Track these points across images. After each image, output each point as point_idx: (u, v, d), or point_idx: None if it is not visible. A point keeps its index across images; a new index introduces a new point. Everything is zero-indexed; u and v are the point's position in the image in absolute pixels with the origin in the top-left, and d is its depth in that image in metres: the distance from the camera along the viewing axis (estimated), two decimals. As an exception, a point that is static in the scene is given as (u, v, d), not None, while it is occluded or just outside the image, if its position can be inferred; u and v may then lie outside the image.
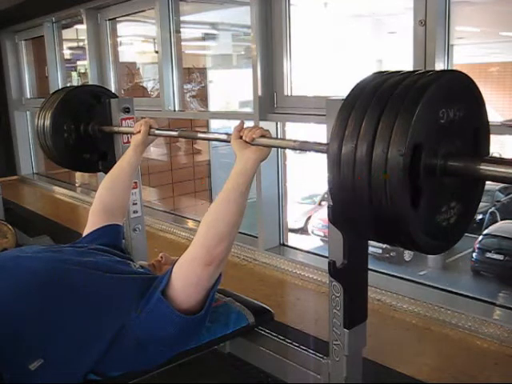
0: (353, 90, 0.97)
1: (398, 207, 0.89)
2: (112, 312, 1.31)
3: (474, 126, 1.02)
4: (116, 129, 2.07)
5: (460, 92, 0.96)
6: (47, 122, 2.08)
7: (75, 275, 1.35)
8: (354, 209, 0.94)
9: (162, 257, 1.63)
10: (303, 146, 1.31)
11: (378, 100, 0.91)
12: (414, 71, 0.96)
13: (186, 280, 1.31)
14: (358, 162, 0.89)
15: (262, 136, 1.37)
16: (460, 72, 0.99)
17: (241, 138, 1.39)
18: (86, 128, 2.15)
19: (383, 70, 1.01)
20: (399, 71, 0.97)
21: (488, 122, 1.05)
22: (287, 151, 2.67)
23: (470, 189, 1.06)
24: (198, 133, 1.81)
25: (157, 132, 1.83)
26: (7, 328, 1.20)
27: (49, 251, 1.49)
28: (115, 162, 1.88)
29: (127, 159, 1.81)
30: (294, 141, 1.32)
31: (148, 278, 1.42)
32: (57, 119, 2.08)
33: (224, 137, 1.50)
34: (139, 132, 1.81)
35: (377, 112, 0.89)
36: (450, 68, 1.84)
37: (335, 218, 1.04)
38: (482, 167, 0.92)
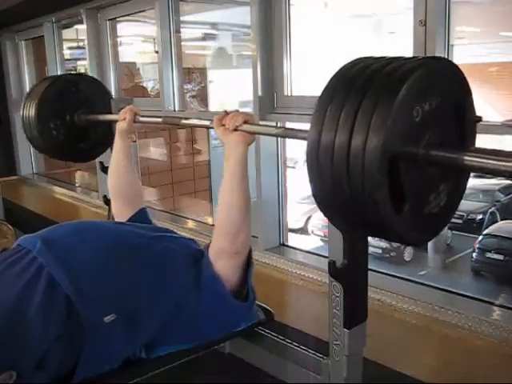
0: (334, 76, 0.95)
1: (381, 215, 0.86)
2: (173, 281, 1.40)
3: (457, 114, 0.99)
4: (101, 117, 2.06)
5: (440, 80, 0.93)
6: (32, 121, 2.06)
7: (144, 244, 1.47)
8: (333, 197, 0.91)
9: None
10: (286, 133, 1.32)
11: (358, 88, 0.88)
12: (396, 58, 0.93)
13: (220, 270, 1.38)
14: (337, 149, 0.86)
15: (245, 122, 1.35)
16: (443, 58, 0.97)
17: (223, 125, 1.38)
18: (71, 118, 2.13)
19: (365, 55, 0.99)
20: (382, 57, 0.94)
21: (474, 110, 1.02)
22: (287, 151, 2.67)
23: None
24: (181, 119, 1.81)
25: (141, 119, 1.83)
26: (94, 282, 1.32)
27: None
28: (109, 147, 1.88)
29: (117, 148, 1.83)
30: (277, 127, 1.32)
31: (195, 251, 1.50)
32: (41, 119, 2.06)
33: (207, 123, 1.48)
34: (124, 120, 1.83)
35: (357, 101, 0.87)
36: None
37: (318, 205, 1.00)
38: (466, 158, 0.89)
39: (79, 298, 1.27)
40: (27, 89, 4.95)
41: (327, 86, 0.93)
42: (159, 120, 1.88)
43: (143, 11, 3.47)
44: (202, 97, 5.24)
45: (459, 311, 1.85)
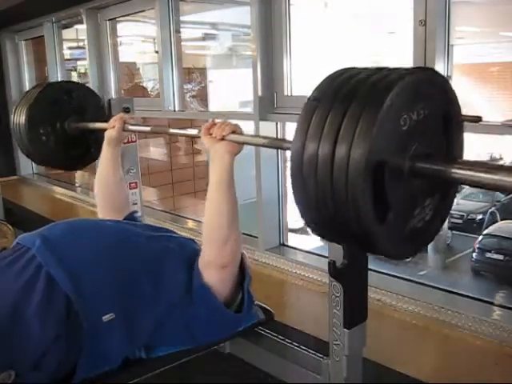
0: (319, 85, 0.93)
1: (364, 224, 0.84)
2: (170, 281, 1.39)
3: (444, 125, 0.97)
4: (91, 125, 2.06)
5: (427, 90, 0.92)
6: (22, 127, 2.05)
7: (142, 243, 1.46)
8: (316, 207, 0.89)
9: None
10: (273, 143, 1.31)
11: (342, 98, 0.86)
12: (382, 68, 0.92)
13: (209, 281, 1.36)
14: (320, 161, 0.85)
15: (233, 132, 1.34)
16: (428, 69, 0.95)
17: (210, 134, 1.37)
18: (62, 126, 2.12)
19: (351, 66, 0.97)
20: (367, 68, 0.93)
21: (462, 120, 1.02)
22: (288, 151, 2.66)
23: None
24: (169, 128, 1.83)
25: (131, 127, 1.84)
26: (93, 281, 1.32)
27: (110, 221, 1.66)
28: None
29: (105, 155, 1.83)
30: (264, 137, 1.32)
31: (194, 252, 1.48)
32: (31, 125, 2.05)
33: (195, 132, 1.48)
34: (113, 128, 1.82)
35: (341, 111, 0.85)
36: (451, 66, 1.84)
37: (302, 216, 0.97)
38: (454, 170, 0.88)
39: (78, 298, 1.27)
40: (27, 89, 4.95)
41: (312, 95, 0.91)
42: (148, 129, 1.90)
43: (143, 11, 3.47)
44: (202, 97, 5.24)
45: (459, 311, 1.85)
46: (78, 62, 5.02)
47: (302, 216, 0.94)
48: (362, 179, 0.81)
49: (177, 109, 3.18)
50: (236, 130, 1.35)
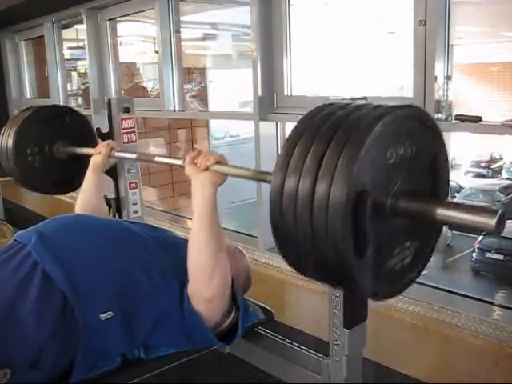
0: (301, 120, 0.92)
1: (341, 254, 0.83)
2: (165, 287, 1.36)
3: (430, 163, 0.96)
4: (78, 150, 2.09)
5: (413, 128, 0.91)
6: (10, 148, 2.06)
7: (141, 243, 1.43)
8: (295, 245, 0.88)
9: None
10: (256, 176, 1.29)
11: (324, 135, 0.85)
12: (366, 104, 0.91)
13: (197, 309, 1.33)
14: (300, 198, 0.83)
15: (217, 162, 1.33)
16: (413, 106, 0.92)
17: (195, 164, 1.36)
18: (50, 149, 2.15)
19: (335, 100, 0.98)
20: (351, 103, 0.92)
21: (447, 158, 1.00)
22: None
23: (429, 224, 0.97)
24: (155, 156, 1.85)
25: (117, 154, 1.88)
26: (90, 278, 1.30)
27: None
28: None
29: (89, 181, 1.85)
30: (248, 169, 1.30)
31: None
32: (19, 144, 2.06)
33: (179, 162, 1.47)
34: (99, 153, 1.85)
35: (323, 147, 0.83)
36: (451, 66, 1.84)
37: (279, 249, 0.96)
38: (438, 212, 0.86)
39: (74, 295, 1.26)
40: (27, 89, 4.97)
41: (293, 130, 0.90)
42: (134, 156, 1.93)
43: (143, 11, 3.47)
44: (202, 97, 5.25)
45: (459, 311, 1.85)
46: (78, 62, 5.02)
47: (279, 248, 0.93)
48: (342, 217, 0.79)
49: (177, 109, 3.18)
50: (221, 161, 1.34)
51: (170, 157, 1.61)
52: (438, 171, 0.98)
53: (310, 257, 0.87)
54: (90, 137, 2.25)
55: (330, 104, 0.95)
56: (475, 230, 0.89)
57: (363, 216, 0.83)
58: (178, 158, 1.50)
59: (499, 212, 0.83)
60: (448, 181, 1.02)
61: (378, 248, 0.89)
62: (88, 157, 1.93)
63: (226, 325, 1.38)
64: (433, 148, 0.96)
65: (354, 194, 0.81)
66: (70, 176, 2.17)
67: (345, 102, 0.95)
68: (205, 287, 1.30)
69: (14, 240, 1.41)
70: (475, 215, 0.84)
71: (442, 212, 0.87)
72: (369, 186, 0.84)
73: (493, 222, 0.82)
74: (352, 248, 0.83)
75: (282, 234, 0.90)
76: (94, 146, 2.06)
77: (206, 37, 5.48)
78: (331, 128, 0.85)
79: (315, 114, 0.92)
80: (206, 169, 1.34)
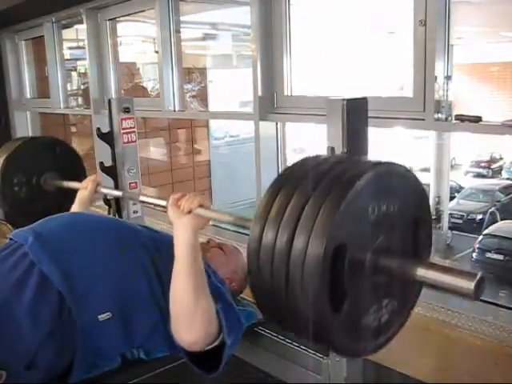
0: (283, 172, 0.93)
1: (317, 311, 0.81)
2: (164, 291, 1.36)
3: (413, 220, 0.95)
4: (65, 184, 2.12)
5: (395, 184, 0.90)
6: None
7: (142, 245, 1.44)
8: (272, 299, 0.86)
9: (208, 241, 1.66)
10: (237, 222, 1.26)
11: (304, 188, 0.84)
12: (350, 158, 0.91)
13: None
14: (277, 252, 0.82)
15: (201, 206, 1.32)
16: (395, 164, 0.91)
17: (179, 207, 1.34)
18: (38, 181, 2.17)
19: (319, 153, 0.96)
20: (334, 156, 0.93)
21: (430, 215, 0.99)
22: (288, 150, 2.67)
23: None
24: (139, 195, 1.89)
25: (102, 190, 1.91)
26: (88, 279, 1.31)
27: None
28: None
29: None
30: (230, 215, 1.28)
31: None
32: (7, 173, 2.09)
33: (163, 203, 1.46)
34: (85, 188, 1.88)
35: (303, 200, 0.82)
36: (451, 66, 1.84)
37: (255, 300, 0.94)
38: (418, 272, 0.85)
39: (72, 296, 1.25)
40: (27, 89, 4.96)
41: (274, 181, 0.91)
42: (120, 194, 1.96)
43: (143, 11, 3.46)
44: (202, 97, 5.25)
45: (459, 311, 1.85)
46: (78, 62, 5.02)
47: (255, 300, 0.92)
48: (318, 273, 0.78)
49: (177, 109, 3.18)
50: (204, 204, 1.33)
51: (154, 197, 1.61)
52: (420, 228, 0.96)
53: (286, 311, 0.85)
54: (79, 170, 2.30)
55: (315, 156, 0.94)
56: (454, 293, 0.87)
57: (341, 271, 0.81)
58: (163, 199, 1.48)
59: (478, 275, 0.82)
60: (430, 239, 1.00)
61: (356, 303, 0.87)
62: (75, 190, 1.95)
63: (211, 347, 1.34)
64: (416, 205, 0.95)
65: (333, 248, 0.79)
66: (56, 208, 2.16)
67: (329, 155, 0.96)
68: (186, 332, 1.27)
69: (10, 239, 1.40)
70: (454, 278, 0.83)
71: (421, 272, 0.86)
72: (348, 241, 0.82)
73: (471, 285, 0.81)
74: (328, 304, 0.81)
75: (258, 288, 0.88)
76: (82, 179, 2.08)
77: (206, 37, 5.48)
78: (313, 181, 0.84)
79: (299, 165, 0.92)
80: (189, 211, 1.31)
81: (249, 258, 0.88)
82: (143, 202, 1.76)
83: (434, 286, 0.87)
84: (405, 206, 0.92)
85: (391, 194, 0.89)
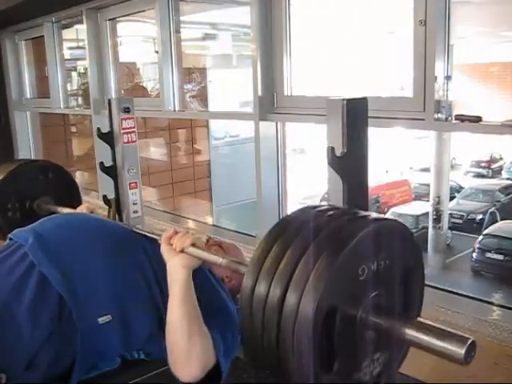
0: (280, 221, 0.91)
1: (307, 373, 0.80)
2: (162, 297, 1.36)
3: (405, 277, 0.94)
4: (59, 209, 2.07)
5: (390, 241, 0.89)
6: None
7: (143, 249, 1.44)
8: (262, 352, 0.85)
9: (207, 239, 1.63)
10: (229, 264, 1.23)
11: (299, 242, 0.83)
12: (347, 212, 0.89)
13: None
14: (269, 303, 0.81)
15: (193, 245, 1.29)
16: (392, 220, 0.90)
17: (171, 245, 1.32)
18: (31, 205, 2.14)
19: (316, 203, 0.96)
20: (331, 209, 0.90)
21: (423, 271, 0.97)
22: (288, 150, 2.67)
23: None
24: (133, 227, 1.82)
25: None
26: (89, 281, 1.30)
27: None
28: None
29: None
30: (223, 257, 1.24)
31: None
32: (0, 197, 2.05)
33: (157, 238, 1.43)
34: None
35: (296, 255, 0.81)
36: (451, 66, 1.84)
37: (245, 353, 0.93)
38: (408, 332, 0.84)
39: (72, 298, 1.25)
40: (27, 89, 4.96)
41: (271, 230, 0.89)
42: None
43: (143, 11, 3.46)
44: (202, 97, 5.25)
45: (459, 311, 1.85)
46: (78, 62, 5.02)
47: (245, 352, 0.91)
48: (310, 332, 0.77)
49: (177, 109, 3.18)
50: (196, 243, 1.30)
51: (147, 231, 1.57)
52: (412, 285, 0.95)
53: (275, 366, 0.84)
54: (74, 194, 2.27)
55: (314, 207, 0.93)
56: (442, 357, 0.86)
57: (332, 331, 0.81)
58: (157, 235, 1.45)
59: (469, 341, 0.81)
60: (421, 296, 0.99)
61: (347, 362, 0.86)
62: None
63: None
64: (409, 261, 0.94)
65: (325, 310, 0.79)
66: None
67: (328, 207, 0.93)
68: (181, 370, 1.26)
69: (10, 239, 1.39)
70: (444, 341, 0.82)
71: (411, 333, 0.84)
72: (340, 300, 0.82)
73: (462, 351, 0.81)
74: (318, 362, 0.81)
75: (249, 340, 0.88)
76: (78, 204, 2.07)
77: (205, 37, 5.48)
78: (308, 236, 0.83)
79: (296, 216, 0.90)
80: (182, 250, 1.29)
81: (241, 309, 0.87)
82: (138, 233, 1.68)
83: (423, 348, 0.85)
84: (398, 262, 0.91)
85: (385, 250, 0.88)
